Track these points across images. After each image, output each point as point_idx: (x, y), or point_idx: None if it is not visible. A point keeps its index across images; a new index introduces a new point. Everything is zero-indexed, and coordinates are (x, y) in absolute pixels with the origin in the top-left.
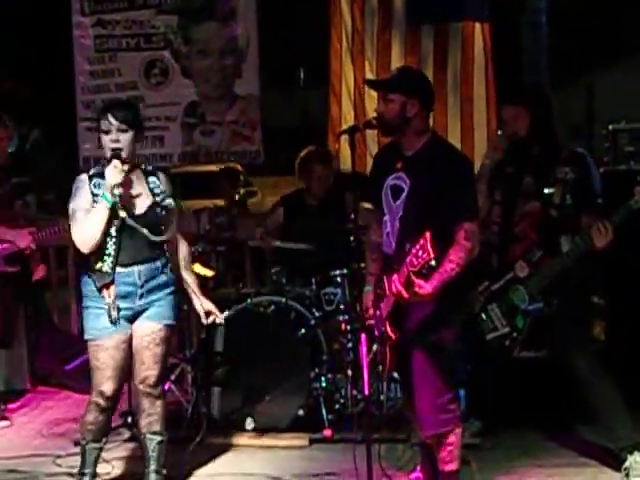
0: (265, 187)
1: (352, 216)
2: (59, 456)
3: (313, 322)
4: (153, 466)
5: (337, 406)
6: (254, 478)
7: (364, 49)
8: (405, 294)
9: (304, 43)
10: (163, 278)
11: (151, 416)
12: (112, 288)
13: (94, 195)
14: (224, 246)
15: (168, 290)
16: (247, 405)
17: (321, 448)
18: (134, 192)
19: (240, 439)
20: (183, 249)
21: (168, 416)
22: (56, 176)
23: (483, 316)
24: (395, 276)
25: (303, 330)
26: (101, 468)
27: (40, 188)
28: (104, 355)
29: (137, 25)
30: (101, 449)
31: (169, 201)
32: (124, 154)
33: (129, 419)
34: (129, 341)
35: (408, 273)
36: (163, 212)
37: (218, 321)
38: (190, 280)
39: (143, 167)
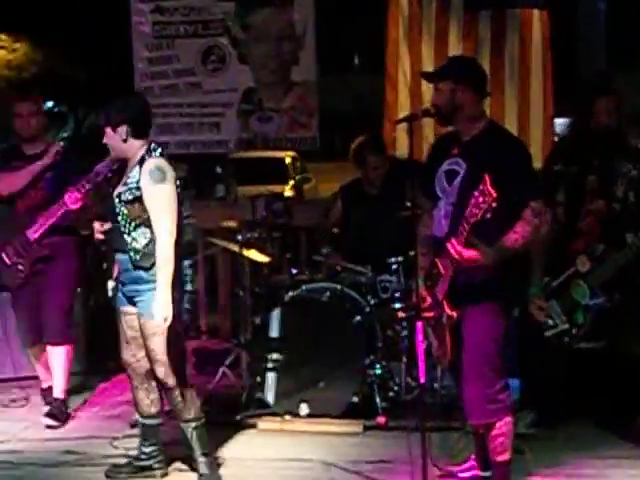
0: (320, 173)
1: (409, 204)
2: (115, 438)
3: (368, 309)
4: (198, 451)
5: (391, 393)
6: (307, 464)
7: (421, 35)
8: (467, 253)
9: (359, 29)
10: (137, 273)
11: (175, 407)
12: (115, 267)
13: None
14: (280, 232)
15: (147, 286)
16: (301, 391)
17: (375, 435)
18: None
19: (294, 425)
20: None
21: (222, 401)
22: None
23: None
24: (452, 241)
25: (358, 317)
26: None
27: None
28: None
29: (195, 12)
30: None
31: (130, 196)
32: (112, 153)
33: None
34: (134, 320)
35: (469, 231)
36: (121, 205)
37: None
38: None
39: (142, 156)
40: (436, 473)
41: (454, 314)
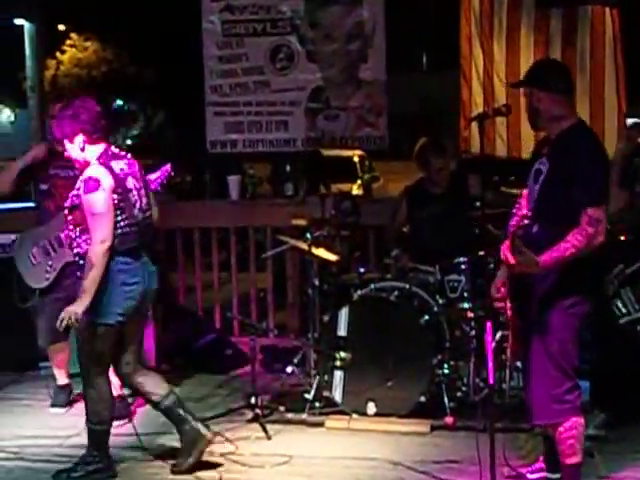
0: (388, 172)
1: (478, 203)
2: None
3: (436, 309)
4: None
5: (459, 394)
6: (374, 463)
7: (493, 33)
8: (511, 260)
9: (426, 27)
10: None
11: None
12: None
13: None
14: (348, 231)
15: None
16: (369, 390)
17: (442, 435)
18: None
19: (361, 423)
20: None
21: (290, 399)
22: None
23: (617, 301)
24: (505, 243)
25: (426, 316)
26: (224, 448)
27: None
28: None
29: (264, 10)
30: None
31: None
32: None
33: (252, 400)
34: None
35: (512, 238)
36: (68, 211)
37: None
38: None
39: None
40: (505, 473)
41: (510, 313)
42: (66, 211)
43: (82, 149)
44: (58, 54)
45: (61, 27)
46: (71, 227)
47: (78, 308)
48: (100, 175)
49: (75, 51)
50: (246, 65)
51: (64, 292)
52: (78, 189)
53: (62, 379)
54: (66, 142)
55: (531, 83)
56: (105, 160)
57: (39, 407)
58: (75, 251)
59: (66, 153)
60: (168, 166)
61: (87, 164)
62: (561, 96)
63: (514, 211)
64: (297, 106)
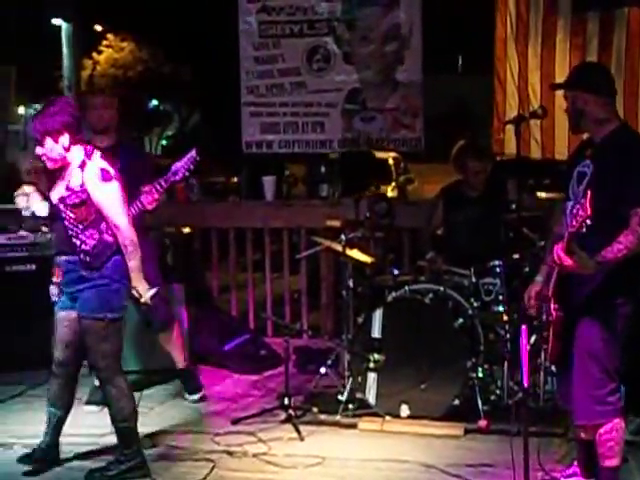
0: (423, 174)
1: (514, 206)
2: (217, 434)
3: (471, 312)
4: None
5: (493, 397)
6: (407, 465)
7: (528, 36)
8: (566, 261)
9: (462, 30)
10: (80, 273)
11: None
12: (57, 270)
13: None
14: (382, 233)
15: (89, 284)
16: (402, 392)
17: (476, 438)
18: (58, 184)
19: (394, 426)
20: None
21: (323, 400)
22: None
23: None
24: (559, 244)
25: (461, 319)
26: (257, 448)
27: (204, 171)
28: (58, 326)
29: (300, 11)
30: (60, 417)
31: (77, 199)
32: (50, 163)
33: (285, 401)
34: (74, 321)
35: (569, 239)
36: (67, 209)
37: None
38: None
39: (82, 160)
40: (539, 478)
41: (555, 313)
42: (68, 210)
43: (67, 149)
44: (95, 54)
45: (98, 28)
46: (72, 224)
47: (142, 285)
48: (108, 166)
49: (111, 51)
50: (282, 66)
51: None
52: (82, 185)
53: None
54: (48, 139)
55: (577, 85)
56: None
57: (74, 405)
58: (81, 248)
59: (39, 150)
60: (194, 152)
61: (66, 164)
62: (606, 99)
63: (571, 212)
64: (334, 107)
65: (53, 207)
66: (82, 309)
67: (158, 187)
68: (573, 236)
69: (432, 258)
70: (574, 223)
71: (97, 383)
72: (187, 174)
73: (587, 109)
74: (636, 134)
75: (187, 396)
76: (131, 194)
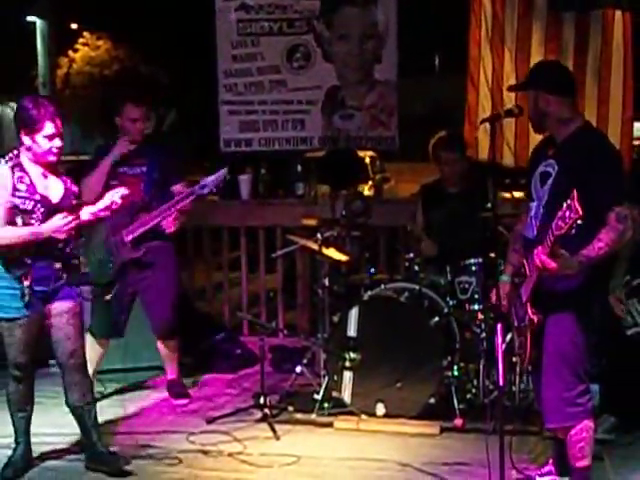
0: (399, 174)
1: (489, 205)
2: (192, 433)
3: (446, 310)
4: (96, 436)
5: (468, 395)
6: (383, 464)
7: (504, 36)
8: (550, 264)
9: (438, 29)
10: (75, 261)
11: (83, 387)
12: (29, 274)
13: (16, 190)
14: (359, 231)
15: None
16: (378, 391)
17: (452, 437)
18: (50, 182)
19: (370, 424)
20: None
21: (299, 399)
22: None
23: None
24: (539, 248)
25: (436, 318)
26: (232, 447)
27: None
28: (19, 331)
29: (280, 10)
30: (29, 417)
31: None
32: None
33: (261, 400)
34: (42, 320)
35: (554, 242)
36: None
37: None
38: None
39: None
40: (514, 476)
41: (535, 318)
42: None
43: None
44: (71, 52)
45: (74, 26)
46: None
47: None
48: None
49: (87, 49)
50: (262, 64)
51: (132, 287)
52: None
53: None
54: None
55: (537, 86)
56: None
57: (49, 405)
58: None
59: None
60: (225, 170)
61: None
62: (568, 98)
63: (560, 214)
64: (314, 105)
65: None
66: (74, 295)
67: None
68: (559, 239)
69: (412, 258)
70: (561, 224)
71: None
72: (214, 190)
73: (549, 109)
74: (599, 132)
75: (174, 401)
76: (161, 194)
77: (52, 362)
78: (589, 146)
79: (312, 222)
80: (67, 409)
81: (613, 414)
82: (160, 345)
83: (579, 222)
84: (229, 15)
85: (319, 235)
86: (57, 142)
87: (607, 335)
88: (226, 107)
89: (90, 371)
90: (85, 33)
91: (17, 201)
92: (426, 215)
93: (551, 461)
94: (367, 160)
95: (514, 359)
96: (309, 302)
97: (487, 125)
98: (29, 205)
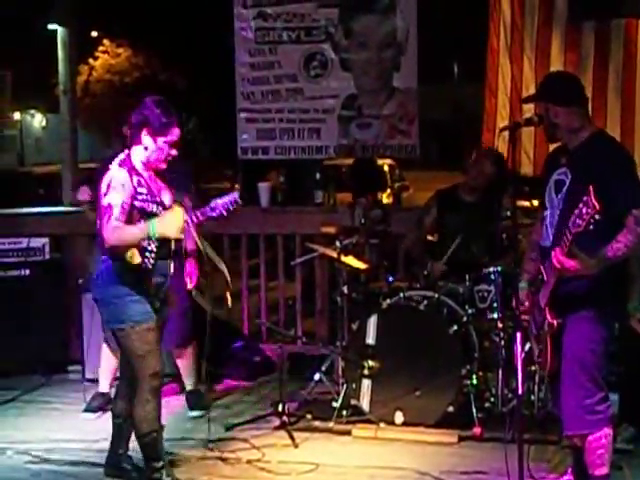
0: (418, 182)
1: (508, 214)
2: (211, 441)
3: (465, 319)
4: (123, 449)
5: (487, 404)
6: (401, 472)
7: (523, 45)
8: (568, 262)
9: (458, 38)
10: None
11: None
12: (153, 279)
13: (138, 193)
14: (377, 239)
15: None
16: (397, 399)
17: (470, 446)
18: (159, 186)
19: (388, 433)
20: None
21: (317, 407)
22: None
23: None
24: (556, 250)
25: (455, 326)
26: (251, 455)
27: (199, 177)
28: (152, 336)
29: (298, 18)
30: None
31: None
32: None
33: (279, 407)
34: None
35: (571, 242)
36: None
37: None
38: None
39: None
40: None
41: (555, 322)
42: None
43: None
44: (91, 60)
45: (94, 34)
46: None
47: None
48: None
49: (107, 57)
50: (279, 72)
51: None
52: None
53: (105, 386)
54: None
55: (545, 98)
56: None
57: (68, 411)
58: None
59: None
60: (236, 194)
61: None
62: (577, 108)
63: (577, 212)
64: (330, 114)
65: None
66: None
67: (194, 218)
68: (575, 237)
69: (431, 266)
70: (579, 222)
71: (101, 390)
72: (225, 214)
73: (559, 120)
74: (611, 138)
75: (189, 412)
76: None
77: (71, 368)
78: (602, 152)
79: (331, 230)
80: (86, 415)
81: (632, 424)
82: (177, 357)
83: (597, 217)
84: (247, 23)
85: (338, 243)
86: (174, 151)
87: (626, 345)
88: (243, 115)
89: (106, 383)
90: (105, 41)
91: (142, 204)
92: (442, 222)
93: (570, 470)
94: (386, 168)
95: (533, 368)
96: (328, 310)
97: (506, 133)
98: (153, 208)
